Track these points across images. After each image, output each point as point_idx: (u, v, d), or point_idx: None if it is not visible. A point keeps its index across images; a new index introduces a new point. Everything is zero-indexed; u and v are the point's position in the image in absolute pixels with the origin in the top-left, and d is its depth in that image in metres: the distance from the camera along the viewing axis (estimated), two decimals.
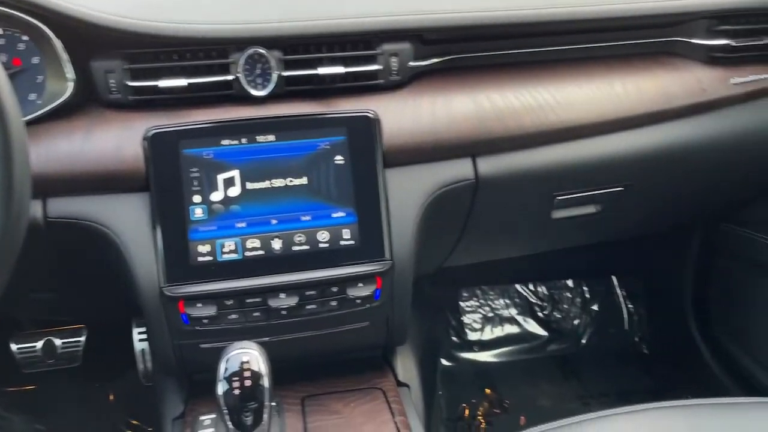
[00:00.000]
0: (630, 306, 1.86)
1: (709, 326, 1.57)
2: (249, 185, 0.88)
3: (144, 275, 0.87)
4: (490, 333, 1.83)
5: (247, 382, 0.76)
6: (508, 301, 1.87)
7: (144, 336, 1.03)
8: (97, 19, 0.84)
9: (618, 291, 1.87)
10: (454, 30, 0.96)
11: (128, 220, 0.87)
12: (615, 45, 1.06)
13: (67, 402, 1.48)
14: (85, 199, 0.87)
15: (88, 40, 0.86)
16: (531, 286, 1.87)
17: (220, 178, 0.87)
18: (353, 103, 0.93)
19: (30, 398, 1.47)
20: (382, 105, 0.94)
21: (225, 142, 0.88)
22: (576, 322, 1.85)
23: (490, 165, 0.99)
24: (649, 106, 1.03)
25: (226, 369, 0.77)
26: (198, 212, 0.87)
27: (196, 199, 0.87)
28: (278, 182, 0.89)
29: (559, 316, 1.86)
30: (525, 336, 1.83)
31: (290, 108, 0.91)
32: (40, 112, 0.85)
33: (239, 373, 0.76)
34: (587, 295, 1.87)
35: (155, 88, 0.88)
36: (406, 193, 0.95)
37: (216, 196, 0.87)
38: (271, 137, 0.89)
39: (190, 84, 0.88)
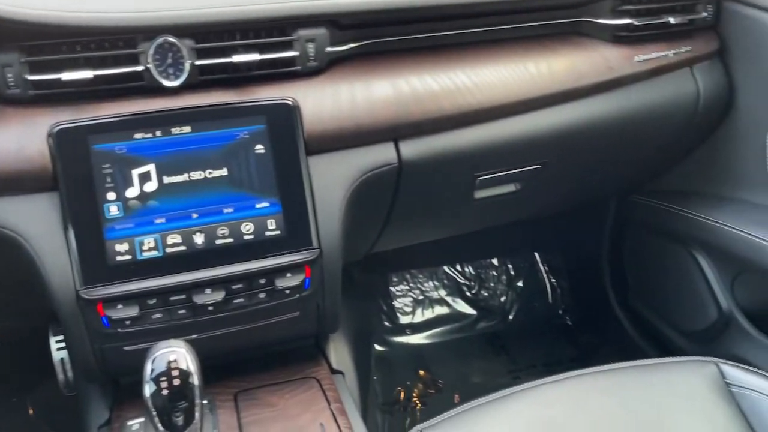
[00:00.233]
0: (552, 280, 1.93)
1: (626, 294, 1.66)
2: (166, 179, 0.85)
3: (58, 279, 0.82)
4: (421, 315, 1.86)
5: (176, 382, 0.74)
6: (437, 283, 1.90)
7: (62, 344, 0.98)
8: None
9: (541, 266, 1.94)
10: (369, 14, 0.95)
11: (37, 221, 0.83)
12: (527, 27, 1.09)
13: None
14: None
15: None
16: (458, 267, 1.92)
17: (135, 173, 0.84)
18: (271, 91, 0.92)
19: None
20: (301, 92, 0.92)
21: (138, 135, 0.84)
22: (503, 299, 1.91)
23: (413, 148, 1.00)
24: (560, 85, 1.06)
25: (152, 370, 0.74)
26: (113, 210, 0.83)
27: (111, 196, 0.83)
28: (197, 175, 0.86)
29: (486, 294, 1.91)
30: (455, 316, 1.87)
31: (206, 98, 0.89)
32: None
33: (167, 373, 0.74)
34: (512, 273, 1.93)
35: (58, 82, 0.83)
36: (331, 179, 0.94)
37: (131, 192, 0.84)
38: (186, 128, 0.86)
39: (96, 76, 0.84)
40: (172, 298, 0.86)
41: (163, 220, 0.85)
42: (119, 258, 0.83)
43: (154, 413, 0.75)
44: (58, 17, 0.81)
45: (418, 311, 1.86)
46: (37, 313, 0.94)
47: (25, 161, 0.81)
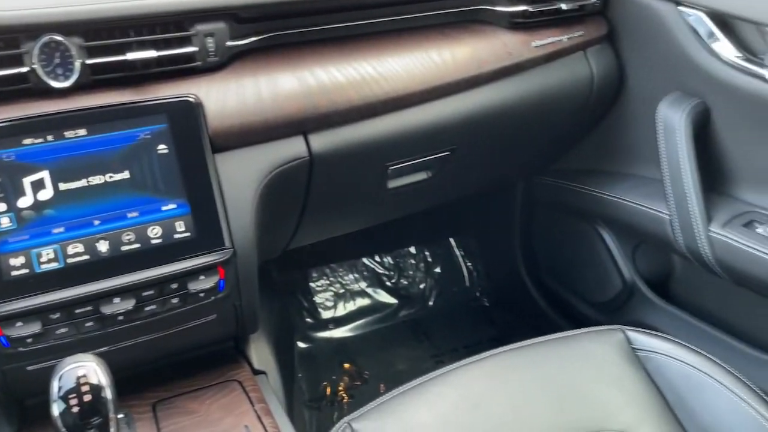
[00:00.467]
0: (468, 264, 1.98)
1: (538, 272, 1.72)
2: (63, 186, 0.80)
3: None
4: (343, 309, 1.86)
5: (87, 398, 0.70)
6: (356, 276, 1.91)
7: None
8: None
9: (456, 251, 1.99)
10: (267, 6, 0.94)
11: None
12: (428, 15, 1.10)
13: None
14: None
15: None
16: (377, 258, 1.93)
17: (27, 181, 0.79)
18: (172, 89, 0.88)
19: None
20: (203, 88, 0.90)
21: (27, 141, 0.79)
22: (422, 286, 1.94)
23: (323, 141, 1.00)
24: (463, 72, 1.08)
25: (59, 387, 0.70)
26: (4, 222, 0.78)
27: (1, 207, 0.78)
28: (96, 179, 0.82)
29: (406, 282, 1.93)
30: (377, 306, 1.88)
31: (101, 98, 0.84)
32: None
33: (76, 389, 0.70)
34: (429, 260, 1.96)
35: None
36: (240, 177, 0.92)
37: (24, 202, 0.79)
38: (81, 131, 0.81)
39: None
40: (77, 311, 0.81)
41: (62, 230, 0.80)
42: (15, 273, 0.78)
43: None
44: None
45: (340, 305, 1.86)
46: None
47: None
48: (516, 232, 1.73)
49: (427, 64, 1.06)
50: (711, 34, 1.09)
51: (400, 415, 0.91)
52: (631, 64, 1.25)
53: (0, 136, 0.78)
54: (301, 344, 1.76)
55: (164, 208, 0.85)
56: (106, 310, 0.82)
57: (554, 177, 1.50)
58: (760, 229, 1.08)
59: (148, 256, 0.84)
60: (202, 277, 0.87)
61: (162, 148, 0.85)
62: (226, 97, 0.91)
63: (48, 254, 0.79)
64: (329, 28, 1.02)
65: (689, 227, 1.13)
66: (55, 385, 0.70)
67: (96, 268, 0.81)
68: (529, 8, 1.14)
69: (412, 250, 1.96)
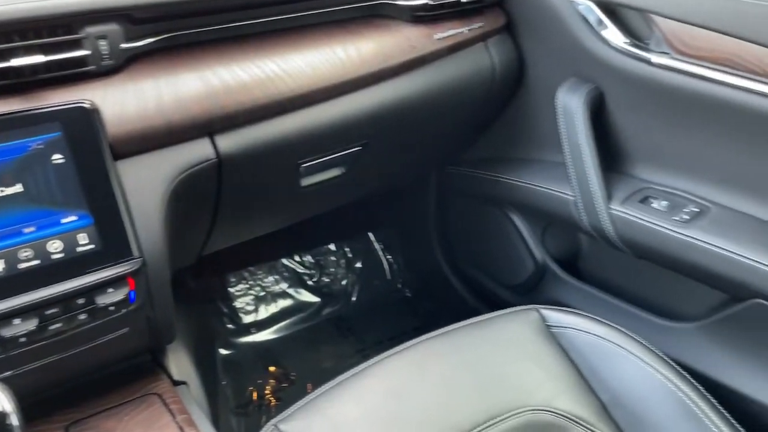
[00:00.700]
0: (389, 257, 2.00)
1: (455, 260, 1.76)
2: None
3: None
4: (264, 312, 1.83)
5: None
6: (277, 277, 1.88)
7: None
8: None
9: (376, 245, 2.00)
10: (160, 7, 0.91)
11: None
12: (330, 11, 1.10)
13: None
14: None
15: None
16: (297, 258, 1.91)
17: None
18: (64, 95, 0.84)
19: None
20: (99, 93, 0.86)
21: None
22: (344, 282, 1.94)
23: (230, 141, 0.98)
24: (369, 67, 1.09)
25: None
26: None
27: None
28: None
29: (327, 280, 1.93)
30: (299, 306, 1.87)
31: None
32: None
33: None
34: (350, 255, 1.97)
35: None
36: (145, 182, 0.89)
37: None
38: None
39: None
40: None
41: None
42: None
43: None
44: None
45: (261, 308, 1.83)
46: None
47: None
48: (432, 223, 1.76)
49: (333, 60, 1.06)
50: (600, 22, 1.15)
51: (326, 412, 0.91)
52: (530, 53, 1.30)
53: None
54: (223, 351, 1.72)
55: (64, 220, 0.81)
56: (6, 332, 0.77)
57: (466, 166, 1.54)
58: (654, 204, 1.15)
59: (50, 271, 0.79)
60: (110, 290, 0.84)
61: (57, 157, 0.80)
62: (125, 101, 0.87)
63: None
64: (229, 27, 1.00)
65: (591, 206, 1.19)
66: None
67: None
68: (430, 1, 1.16)
69: (332, 247, 1.96)
